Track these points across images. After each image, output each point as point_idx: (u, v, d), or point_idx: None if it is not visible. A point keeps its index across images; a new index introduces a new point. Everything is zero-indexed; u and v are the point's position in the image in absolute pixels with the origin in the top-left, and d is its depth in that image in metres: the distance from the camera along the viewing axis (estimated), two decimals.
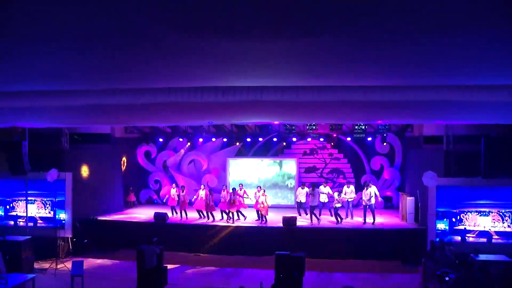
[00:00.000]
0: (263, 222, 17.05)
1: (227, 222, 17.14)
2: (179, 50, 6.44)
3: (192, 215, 18.07)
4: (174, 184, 19.23)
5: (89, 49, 6.46)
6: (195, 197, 17.91)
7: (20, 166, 15.11)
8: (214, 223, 17.16)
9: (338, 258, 15.69)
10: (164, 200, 19.65)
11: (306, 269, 12.27)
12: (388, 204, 20.68)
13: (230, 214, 17.19)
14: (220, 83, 9.34)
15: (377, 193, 17.04)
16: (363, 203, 16.97)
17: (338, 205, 16.89)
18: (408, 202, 16.95)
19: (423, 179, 13.66)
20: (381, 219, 17.55)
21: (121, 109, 11.48)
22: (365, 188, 17.01)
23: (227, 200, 17.22)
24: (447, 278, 9.53)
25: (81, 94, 10.14)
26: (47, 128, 16.74)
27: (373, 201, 16.71)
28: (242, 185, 18.15)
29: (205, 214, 17.76)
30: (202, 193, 17.79)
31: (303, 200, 17.84)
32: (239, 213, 17.40)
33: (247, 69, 7.75)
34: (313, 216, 16.92)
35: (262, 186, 18.40)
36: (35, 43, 6.00)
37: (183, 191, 18.14)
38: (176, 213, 18.31)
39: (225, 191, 17.48)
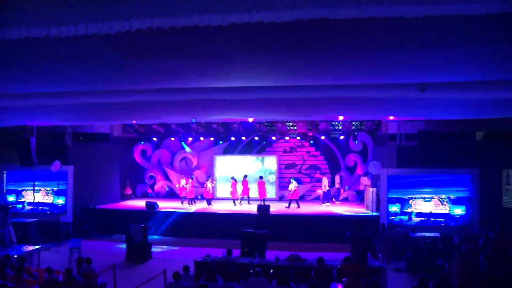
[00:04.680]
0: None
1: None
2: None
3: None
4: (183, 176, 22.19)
5: (92, 63, 8.48)
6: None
7: (29, 159, 17.50)
8: (198, 211, 19.78)
9: (306, 241, 17.70)
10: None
11: (275, 250, 14.35)
12: (361, 197, 22.74)
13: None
14: (200, 85, 11.34)
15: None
16: None
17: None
18: (370, 192, 19.08)
19: (369, 168, 15.94)
20: (350, 209, 19.99)
21: (116, 107, 13.56)
22: None
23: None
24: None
25: (82, 94, 12.11)
26: (53, 128, 19.21)
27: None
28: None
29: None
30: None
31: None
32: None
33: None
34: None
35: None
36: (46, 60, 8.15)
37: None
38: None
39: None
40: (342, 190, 22.79)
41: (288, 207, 20.33)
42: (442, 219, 16.49)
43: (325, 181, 21.67)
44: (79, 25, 5.06)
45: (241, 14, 4.76)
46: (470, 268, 11.88)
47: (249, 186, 21.27)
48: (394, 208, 16.89)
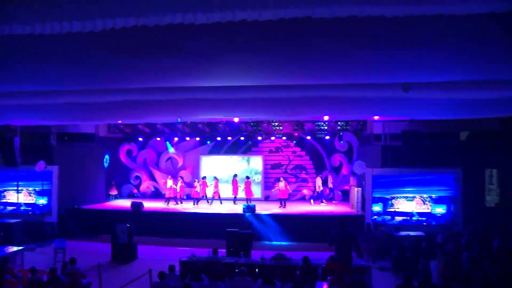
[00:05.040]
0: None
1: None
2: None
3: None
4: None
5: (76, 62, 8.36)
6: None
7: (12, 159, 17.31)
8: (184, 211, 19.82)
9: (292, 241, 17.85)
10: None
11: (261, 250, 14.40)
12: (346, 197, 22.83)
13: None
14: (185, 84, 11.30)
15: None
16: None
17: None
18: (356, 192, 19.19)
19: (353, 167, 16.06)
20: (336, 209, 20.11)
21: (101, 107, 13.40)
22: None
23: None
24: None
25: (67, 93, 11.97)
26: (37, 127, 19.05)
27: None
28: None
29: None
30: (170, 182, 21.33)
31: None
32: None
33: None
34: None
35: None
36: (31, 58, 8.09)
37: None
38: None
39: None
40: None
41: (281, 205, 20.48)
42: (424, 218, 16.74)
43: (319, 181, 21.75)
44: (64, 23, 5.05)
45: (225, 12, 4.79)
46: (454, 267, 12.05)
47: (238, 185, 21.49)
48: (377, 208, 17.09)
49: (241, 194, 21.29)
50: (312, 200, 21.84)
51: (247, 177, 21.59)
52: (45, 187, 18.90)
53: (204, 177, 21.86)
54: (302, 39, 6.44)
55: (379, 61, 8.10)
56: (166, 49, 6.82)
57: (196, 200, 21.10)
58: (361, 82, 10.64)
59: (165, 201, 21.21)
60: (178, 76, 8.82)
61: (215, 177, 21.67)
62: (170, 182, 21.18)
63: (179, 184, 21.31)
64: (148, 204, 20.68)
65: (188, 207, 20.64)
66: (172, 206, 20.86)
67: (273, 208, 20.10)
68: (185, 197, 21.78)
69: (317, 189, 21.71)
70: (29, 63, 8.02)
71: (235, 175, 21.80)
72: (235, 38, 6.08)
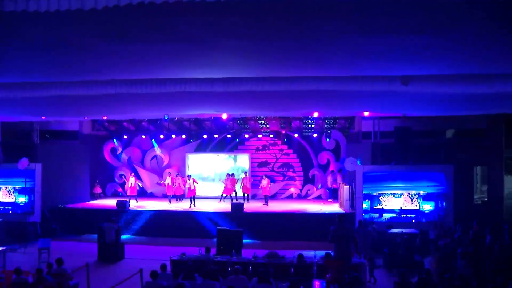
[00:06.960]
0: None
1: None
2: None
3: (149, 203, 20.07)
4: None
5: (62, 49, 7.87)
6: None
7: None
8: (170, 209, 19.47)
9: (281, 239, 17.52)
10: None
11: (250, 248, 14.13)
12: (335, 195, 22.70)
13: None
14: (179, 75, 10.94)
15: None
16: None
17: None
18: (345, 190, 19.00)
19: (345, 164, 15.86)
20: (324, 207, 19.85)
21: (87, 100, 12.87)
22: None
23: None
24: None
25: (51, 86, 11.42)
26: (20, 124, 18.50)
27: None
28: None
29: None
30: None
31: None
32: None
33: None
34: None
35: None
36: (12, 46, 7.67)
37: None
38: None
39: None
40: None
41: (265, 203, 20.31)
42: (412, 215, 16.69)
43: (331, 178, 21.92)
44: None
45: None
46: (447, 263, 11.97)
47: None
48: (364, 205, 17.01)
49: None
50: (330, 199, 22.02)
51: (232, 174, 21.37)
52: (27, 185, 18.33)
53: (232, 174, 21.46)
54: (303, 24, 6.15)
55: (379, 49, 7.86)
56: (159, 33, 6.45)
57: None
58: (358, 74, 10.41)
59: (169, 200, 20.75)
60: (168, 64, 8.49)
61: (228, 174, 21.35)
62: (168, 180, 20.75)
63: (177, 181, 20.79)
64: (133, 203, 20.23)
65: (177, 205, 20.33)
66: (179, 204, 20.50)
67: (261, 206, 19.87)
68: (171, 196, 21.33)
69: (329, 185, 21.96)
70: (9, 51, 7.59)
71: (245, 172, 21.92)
72: (233, 21, 5.78)
